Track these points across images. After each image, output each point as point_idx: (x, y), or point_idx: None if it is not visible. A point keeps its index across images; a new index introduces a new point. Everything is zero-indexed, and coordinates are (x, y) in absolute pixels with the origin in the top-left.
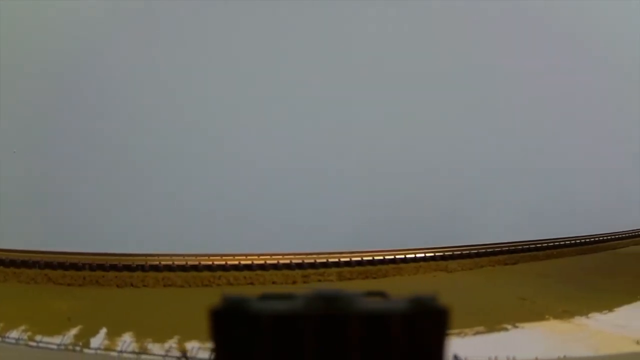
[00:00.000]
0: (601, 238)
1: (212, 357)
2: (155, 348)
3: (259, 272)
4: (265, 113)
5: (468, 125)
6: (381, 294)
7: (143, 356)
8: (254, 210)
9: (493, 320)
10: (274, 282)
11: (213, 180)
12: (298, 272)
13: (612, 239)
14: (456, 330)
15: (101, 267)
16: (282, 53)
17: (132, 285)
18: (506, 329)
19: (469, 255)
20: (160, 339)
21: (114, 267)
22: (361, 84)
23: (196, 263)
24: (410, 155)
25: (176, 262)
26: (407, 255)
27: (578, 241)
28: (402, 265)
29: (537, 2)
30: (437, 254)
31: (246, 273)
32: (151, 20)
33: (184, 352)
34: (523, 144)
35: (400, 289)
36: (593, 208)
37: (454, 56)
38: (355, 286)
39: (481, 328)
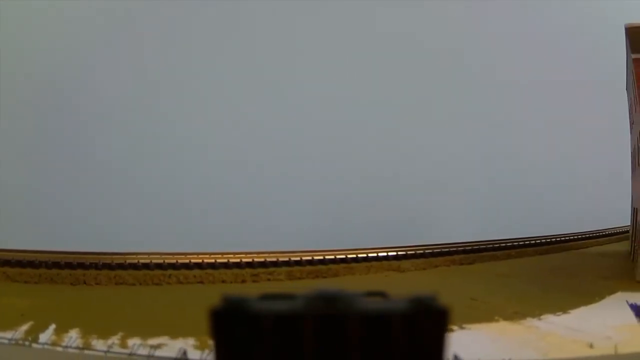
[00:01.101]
0: (564, 238)
1: (213, 357)
2: (99, 344)
3: (209, 270)
4: (221, 115)
5: (425, 126)
6: (381, 294)
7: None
8: (207, 210)
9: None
10: (223, 281)
11: (166, 180)
12: (248, 271)
13: (575, 239)
14: None
15: (57, 265)
16: (234, 58)
17: (85, 283)
18: (451, 330)
19: (423, 255)
20: (104, 335)
21: (69, 265)
22: (316, 86)
23: (148, 261)
24: (365, 155)
25: (128, 261)
26: (359, 255)
27: (539, 241)
28: (353, 264)
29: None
30: (389, 253)
31: (196, 272)
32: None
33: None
34: (483, 143)
35: (350, 289)
36: (556, 209)
37: (414, 56)
38: (304, 286)
39: None
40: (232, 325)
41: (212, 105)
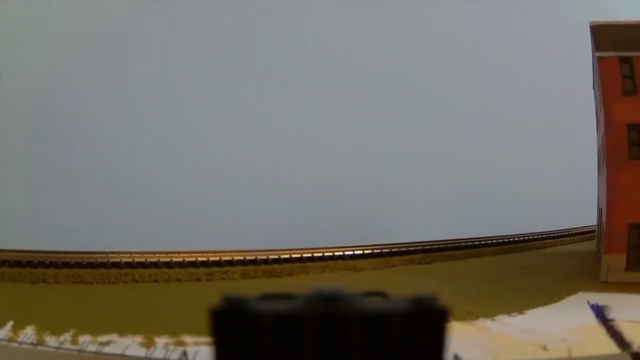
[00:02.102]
0: (526, 238)
1: (213, 357)
2: (51, 341)
3: (164, 269)
4: (188, 114)
5: (386, 126)
6: (381, 294)
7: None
8: (163, 208)
9: None
10: (178, 280)
11: (123, 179)
12: (202, 270)
13: (538, 239)
14: None
15: (19, 263)
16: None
17: (44, 281)
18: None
19: (380, 255)
20: (57, 332)
21: (30, 264)
22: (271, 86)
23: (105, 260)
24: (322, 154)
25: (86, 260)
26: (315, 254)
27: (500, 241)
28: (308, 264)
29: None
30: (346, 252)
31: (152, 270)
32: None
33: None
34: (444, 143)
35: (304, 289)
36: (519, 208)
37: (375, 57)
38: (259, 285)
39: None
40: (232, 325)
41: (179, 103)
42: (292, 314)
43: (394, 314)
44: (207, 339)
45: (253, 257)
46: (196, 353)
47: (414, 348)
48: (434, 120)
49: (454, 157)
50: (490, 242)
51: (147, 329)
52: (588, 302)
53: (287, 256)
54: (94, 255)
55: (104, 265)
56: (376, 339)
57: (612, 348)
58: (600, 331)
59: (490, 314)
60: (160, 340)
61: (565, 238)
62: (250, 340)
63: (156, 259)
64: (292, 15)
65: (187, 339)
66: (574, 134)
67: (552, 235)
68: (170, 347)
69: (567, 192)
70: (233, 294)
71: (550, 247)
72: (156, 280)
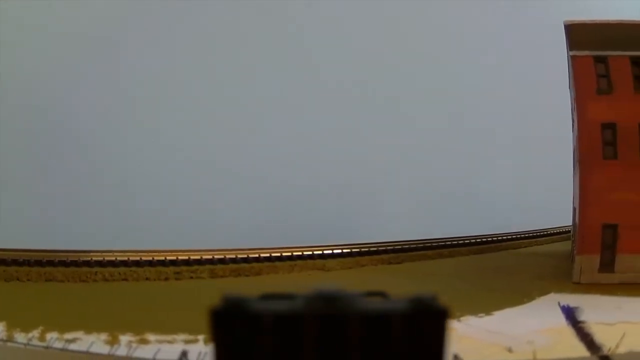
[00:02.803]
0: (501, 238)
1: (213, 356)
2: (20, 337)
3: (134, 268)
4: (148, 111)
5: (356, 125)
6: (381, 294)
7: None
8: (133, 207)
9: None
10: (147, 279)
11: (93, 176)
12: (171, 269)
13: (514, 239)
14: None
15: None
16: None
17: (18, 279)
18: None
19: (350, 254)
20: (27, 329)
21: (3, 262)
22: (239, 84)
23: (76, 259)
24: (292, 153)
25: (58, 258)
26: (284, 254)
27: (474, 240)
28: (277, 263)
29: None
30: (315, 252)
31: (122, 269)
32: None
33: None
34: (416, 140)
35: (272, 288)
36: (494, 208)
37: (342, 54)
38: (227, 284)
39: None
40: (232, 325)
41: (138, 100)
42: (292, 314)
43: (394, 314)
44: (170, 336)
45: (222, 256)
46: (199, 354)
47: (414, 348)
48: (406, 119)
49: (427, 156)
50: (463, 242)
51: (113, 326)
52: (559, 304)
53: (256, 255)
54: (66, 254)
55: (75, 263)
56: (376, 339)
57: (581, 350)
58: (569, 333)
59: (457, 314)
60: (124, 338)
61: (541, 238)
62: (250, 340)
63: (126, 258)
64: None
65: (150, 336)
66: (551, 133)
67: (527, 235)
68: (134, 345)
69: (544, 191)
70: (233, 294)
71: (526, 247)
72: (125, 279)
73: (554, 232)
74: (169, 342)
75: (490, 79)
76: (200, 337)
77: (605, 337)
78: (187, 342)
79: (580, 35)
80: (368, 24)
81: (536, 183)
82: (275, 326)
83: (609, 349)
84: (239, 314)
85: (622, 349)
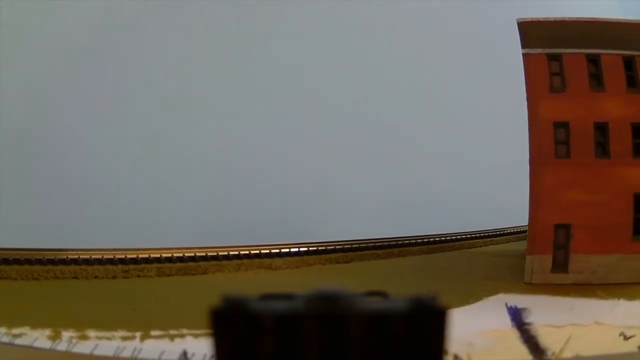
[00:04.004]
0: (455, 237)
1: (213, 357)
2: None
3: (84, 266)
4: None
5: (310, 124)
6: (381, 294)
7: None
8: (83, 206)
9: None
10: (96, 277)
11: (45, 178)
12: (120, 267)
13: (468, 238)
14: None
15: None
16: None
17: None
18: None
19: (297, 254)
20: None
21: None
22: (188, 84)
23: (30, 257)
24: (241, 152)
25: (13, 257)
26: (231, 253)
27: (427, 240)
28: (224, 262)
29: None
30: (262, 251)
31: (72, 267)
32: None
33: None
34: (370, 141)
35: (218, 287)
36: (451, 208)
37: (298, 50)
38: (175, 283)
39: None
40: (232, 325)
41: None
42: (292, 314)
43: (394, 314)
44: (109, 333)
45: (169, 255)
46: (135, 350)
47: (414, 348)
48: (359, 120)
49: (382, 157)
50: (415, 241)
51: (58, 322)
52: (506, 304)
53: (203, 254)
54: (19, 252)
55: (29, 261)
56: (376, 339)
57: (522, 354)
58: (513, 335)
59: None
60: (66, 334)
61: (497, 238)
62: (250, 340)
63: (77, 256)
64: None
65: (91, 333)
66: (511, 133)
67: (482, 235)
68: (74, 341)
69: (502, 191)
70: (233, 294)
71: (480, 247)
72: (76, 277)
73: (511, 232)
74: (108, 338)
75: (448, 79)
76: (138, 334)
77: (552, 340)
78: (124, 339)
79: (533, 33)
80: (327, 28)
81: (495, 182)
82: (275, 326)
83: (553, 353)
84: (239, 314)
85: (567, 354)
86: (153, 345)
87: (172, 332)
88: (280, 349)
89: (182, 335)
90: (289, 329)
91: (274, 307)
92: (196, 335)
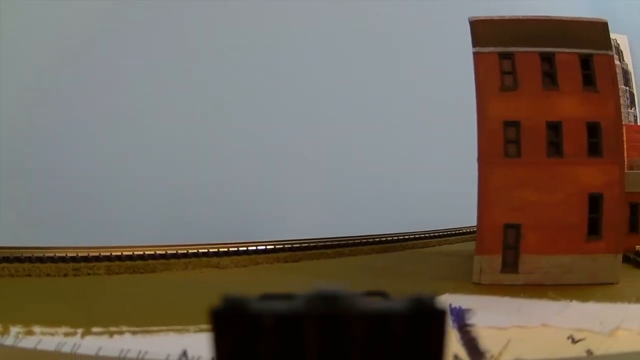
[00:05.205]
0: (406, 237)
1: (213, 357)
2: None
3: (37, 264)
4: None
5: (259, 123)
6: (381, 294)
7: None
8: (36, 204)
9: None
10: (48, 275)
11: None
12: (71, 265)
13: (419, 238)
14: (178, 327)
15: None
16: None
17: None
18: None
19: (245, 252)
20: None
21: None
22: (142, 89)
23: None
24: (191, 150)
25: None
26: (179, 251)
27: (379, 240)
28: (172, 261)
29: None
30: (210, 250)
31: (26, 265)
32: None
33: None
34: (318, 139)
35: (164, 285)
36: (404, 207)
37: (249, 52)
38: (122, 281)
39: (207, 326)
40: (232, 325)
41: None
42: (292, 314)
43: (394, 314)
44: (53, 329)
45: (119, 253)
46: (74, 345)
47: (414, 348)
48: (306, 116)
49: (335, 156)
50: (366, 240)
51: (7, 319)
52: (449, 305)
53: (152, 252)
54: None
55: None
56: (376, 339)
57: (461, 356)
58: (452, 337)
59: None
60: (14, 329)
61: (453, 237)
62: (250, 340)
63: (31, 254)
64: None
65: (36, 329)
66: (467, 132)
67: (436, 234)
68: (20, 336)
69: (458, 190)
70: (233, 294)
71: (434, 246)
72: (29, 275)
73: (466, 232)
74: (51, 334)
75: (397, 77)
76: (79, 330)
77: (493, 342)
78: (66, 334)
79: (486, 31)
80: (275, 26)
81: (452, 181)
82: (275, 326)
83: (492, 356)
84: (239, 314)
85: (507, 357)
86: (92, 342)
87: (112, 329)
88: (280, 349)
89: (121, 332)
90: (289, 329)
91: (274, 307)
92: (134, 332)
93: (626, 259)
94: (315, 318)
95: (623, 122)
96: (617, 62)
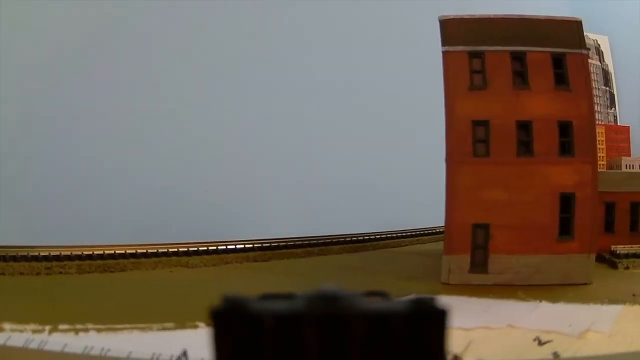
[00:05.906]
0: (378, 237)
1: (213, 357)
2: None
3: (11, 262)
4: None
5: (231, 116)
6: (381, 294)
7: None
8: (8, 203)
9: (196, 317)
10: (21, 273)
11: None
12: (43, 264)
13: (392, 238)
14: (142, 325)
15: None
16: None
17: None
18: (197, 327)
19: (215, 251)
20: None
21: None
22: (117, 89)
23: None
24: (163, 149)
25: None
26: (149, 250)
27: (349, 239)
28: (142, 259)
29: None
30: (180, 249)
31: (0, 264)
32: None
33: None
34: (289, 138)
35: (132, 284)
36: (376, 207)
37: (223, 48)
38: (93, 279)
39: (170, 324)
40: (232, 325)
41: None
42: (293, 314)
43: (394, 314)
44: (22, 326)
45: (90, 252)
46: (41, 342)
47: (414, 348)
48: (277, 116)
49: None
50: (337, 240)
51: None
52: None
53: (122, 252)
54: None
55: None
56: (376, 339)
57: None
58: None
59: None
60: None
61: (425, 237)
62: (250, 340)
63: (5, 253)
64: None
65: (6, 325)
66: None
67: (408, 234)
68: None
69: (432, 189)
70: (233, 294)
71: (406, 246)
72: (3, 273)
73: (440, 231)
74: (20, 331)
75: (369, 75)
76: (47, 327)
77: (457, 343)
78: (34, 331)
79: (455, 31)
80: (244, 22)
81: (423, 181)
82: (275, 326)
83: (453, 357)
84: (239, 314)
85: (468, 358)
86: (58, 338)
87: (78, 326)
88: (280, 349)
89: (86, 330)
90: (289, 329)
91: (274, 307)
92: (99, 330)
93: (601, 259)
94: (315, 318)
95: (603, 123)
96: (597, 62)
